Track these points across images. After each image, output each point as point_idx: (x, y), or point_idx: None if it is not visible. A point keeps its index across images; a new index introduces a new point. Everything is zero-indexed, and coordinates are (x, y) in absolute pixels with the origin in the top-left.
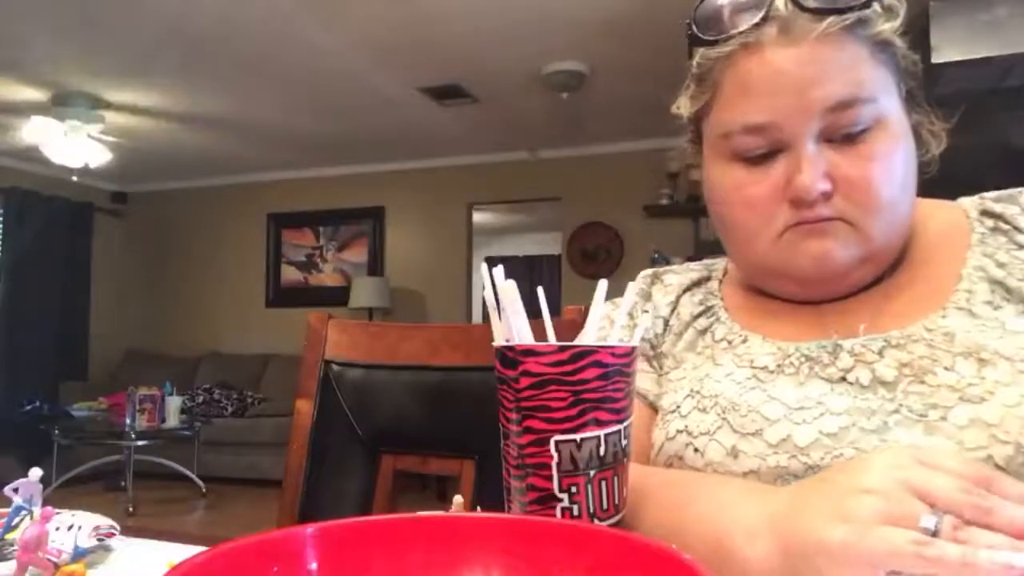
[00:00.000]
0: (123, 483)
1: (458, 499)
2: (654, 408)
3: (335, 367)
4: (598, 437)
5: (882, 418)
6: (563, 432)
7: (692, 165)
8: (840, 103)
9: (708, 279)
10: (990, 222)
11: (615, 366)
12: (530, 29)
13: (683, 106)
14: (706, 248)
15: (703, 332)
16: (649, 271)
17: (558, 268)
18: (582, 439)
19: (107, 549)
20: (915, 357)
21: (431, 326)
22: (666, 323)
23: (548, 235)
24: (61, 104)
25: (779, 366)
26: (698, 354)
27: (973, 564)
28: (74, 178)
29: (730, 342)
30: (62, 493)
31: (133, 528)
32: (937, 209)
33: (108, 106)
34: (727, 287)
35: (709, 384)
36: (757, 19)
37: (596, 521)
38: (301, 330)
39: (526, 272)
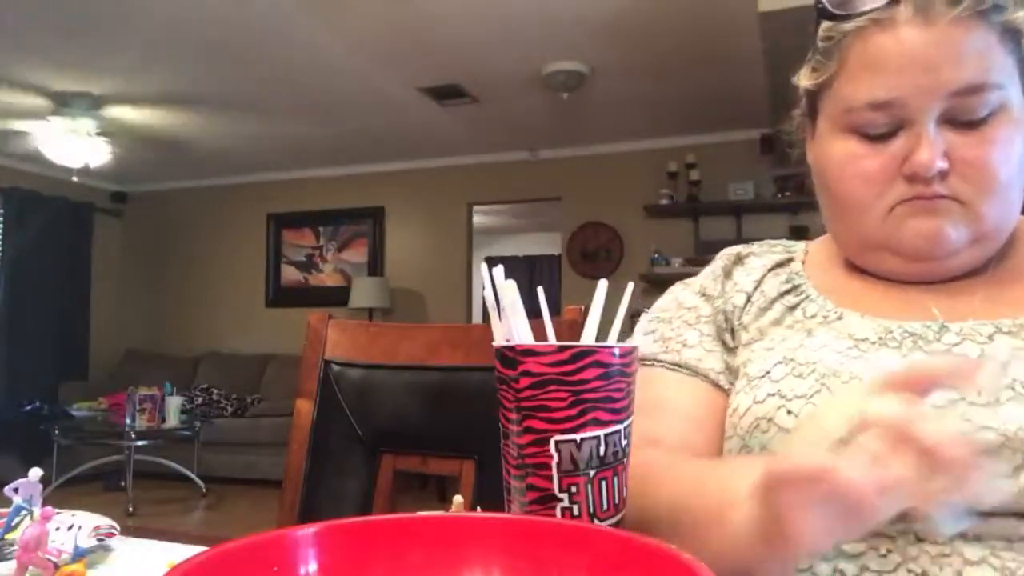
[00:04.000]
0: (123, 483)
1: (458, 499)
2: (718, 387)
3: (335, 367)
4: (598, 437)
5: (992, 392)
6: (563, 432)
7: (797, 138)
8: (968, 87)
9: (791, 260)
10: None
11: (615, 366)
12: (530, 29)
13: (804, 77)
14: (706, 248)
15: (792, 308)
16: (732, 251)
17: (558, 268)
18: (582, 439)
19: (107, 549)
20: None
21: (431, 326)
22: (748, 297)
23: (548, 235)
24: (61, 105)
25: (880, 339)
26: (788, 328)
27: (862, 497)
28: (74, 178)
29: (825, 317)
30: (62, 493)
31: (133, 528)
32: None
33: (108, 106)
34: (811, 269)
35: (804, 353)
36: None
37: (596, 521)
38: (301, 330)
39: (526, 272)
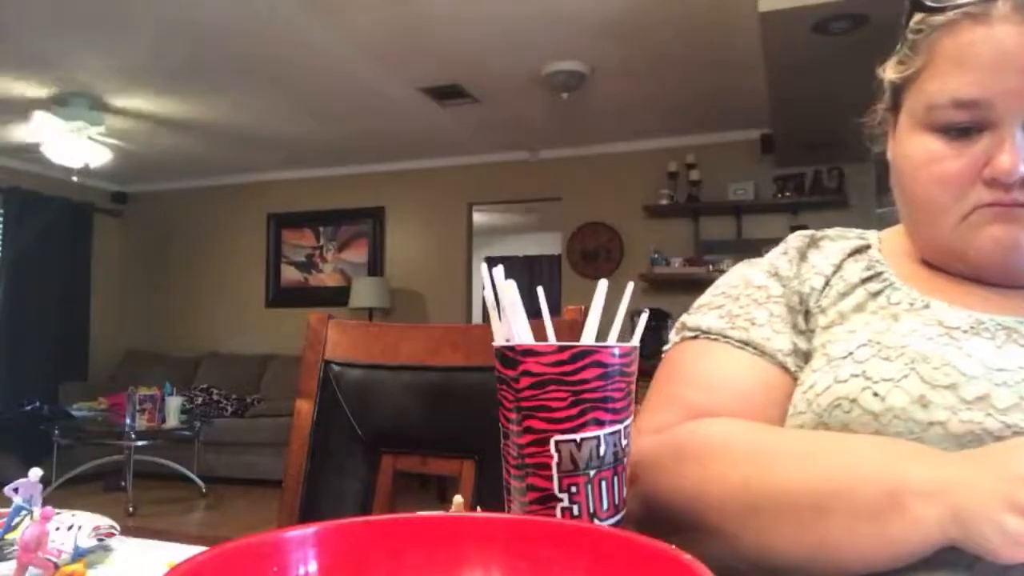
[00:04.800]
0: (123, 483)
1: (458, 499)
2: (783, 368)
3: (335, 367)
4: (598, 437)
5: None
6: (563, 432)
7: (879, 132)
8: None
9: (868, 247)
10: None
11: (615, 366)
12: (530, 29)
13: (890, 69)
14: (706, 248)
15: (875, 295)
16: (806, 234)
17: (558, 268)
18: (582, 439)
19: (107, 549)
20: None
21: (431, 326)
22: (827, 281)
23: (548, 235)
24: (62, 104)
25: (972, 327)
26: (872, 313)
27: None
28: (74, 178)
29: (911, 304)
30: (62, 493)
31: (133, 528)
32: None
33: (108, 107)
34: (889, 259)
35: (892, 337)
36: None
37: (596, 521)
38: (301, 330)
39: (526, 272)
